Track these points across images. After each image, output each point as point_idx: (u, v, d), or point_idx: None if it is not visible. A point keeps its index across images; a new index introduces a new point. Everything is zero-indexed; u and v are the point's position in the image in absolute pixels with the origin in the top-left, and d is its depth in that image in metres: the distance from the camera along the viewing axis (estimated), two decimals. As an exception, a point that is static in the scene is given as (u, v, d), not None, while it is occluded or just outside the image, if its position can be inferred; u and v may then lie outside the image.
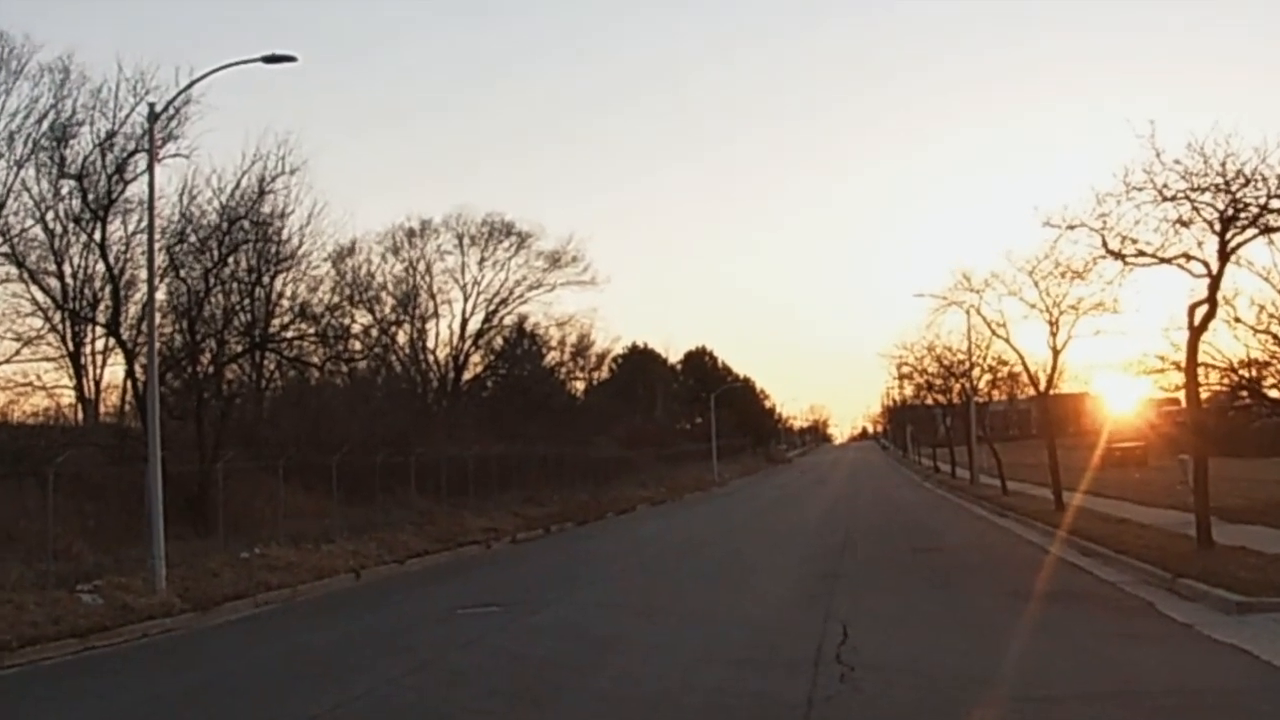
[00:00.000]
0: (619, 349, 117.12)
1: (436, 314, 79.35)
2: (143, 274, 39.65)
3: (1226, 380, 29.14)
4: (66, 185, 43.13)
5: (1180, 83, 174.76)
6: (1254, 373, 29.51)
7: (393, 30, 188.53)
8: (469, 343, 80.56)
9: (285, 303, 49.42)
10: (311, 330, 50.40)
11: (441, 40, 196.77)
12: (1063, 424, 73.58)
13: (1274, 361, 29.48)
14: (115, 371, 46.96)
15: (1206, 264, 23.79)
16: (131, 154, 41.50)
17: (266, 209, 44.83)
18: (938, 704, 13.22)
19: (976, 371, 60.43)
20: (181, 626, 24.34)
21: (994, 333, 45.16)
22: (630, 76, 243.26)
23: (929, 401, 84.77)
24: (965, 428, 71.16)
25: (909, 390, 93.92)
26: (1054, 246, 29.94)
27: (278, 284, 48.53)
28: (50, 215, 44.69)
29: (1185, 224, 23.59)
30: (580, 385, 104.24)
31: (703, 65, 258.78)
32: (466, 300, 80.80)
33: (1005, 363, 55.12)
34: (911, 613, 20.57)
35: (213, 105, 44.35)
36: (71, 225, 43.99)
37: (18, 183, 43.83)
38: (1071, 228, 26.01)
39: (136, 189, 41.75)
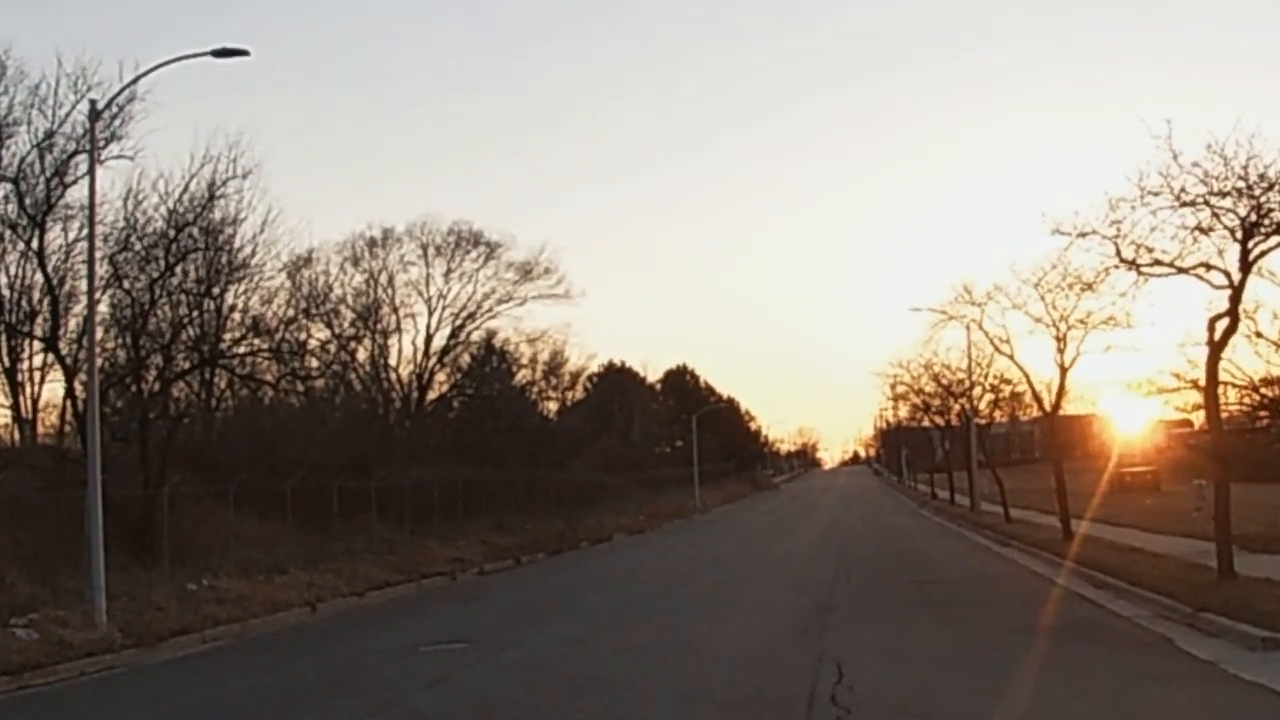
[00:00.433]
0: (594, 367, 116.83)
1: (399, 329, 78.87)
2: (83, 285, 39.17)
3: (1247, 399, 28.97)
4: (2, 189, 42.73)
5: (1198, 79, 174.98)
6: (1276, 391, 29.34)
7: (351, 29, 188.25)
8: (434, 360, 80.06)
9: (237, 316, 49.01)
10: (265, 346, 49.98)
11: (405, 40, 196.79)
12: (1068, 447, 73.50)
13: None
14: (54, 389, 46.53)
15: (1227, 274, 23.66)
16: (72, 155, 41.23)
17: (217, 215, 44.54)
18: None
19: (977, 391, 60.43)
20: (123, 664, 24.04)
21: (997, 349, 45.10)
22: (607, 79, 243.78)
23: (926, 423, 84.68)
24: (965, 451, 71.01)
25: (904, 411, 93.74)
26: (1063, 256, 29.80)
27: (229, 296, 48.13)
28: (-17, 221, 44.29)
29: (1205, 231, 23.45)
30: (553, 406, 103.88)
31: (683, 68, 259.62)
32: (431, 314, 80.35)
33: (1008, 381, 55.16)
34: (910, 649, 20.35)
35: (159, 103, 44.05)
36: (7, 232, 43.52)
37: (-52, 187, 43.43)
38: (1083, 235, 25.84)
39: (77, 193, 41.50)
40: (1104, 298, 30.32)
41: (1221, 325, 24.34)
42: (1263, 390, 29.14)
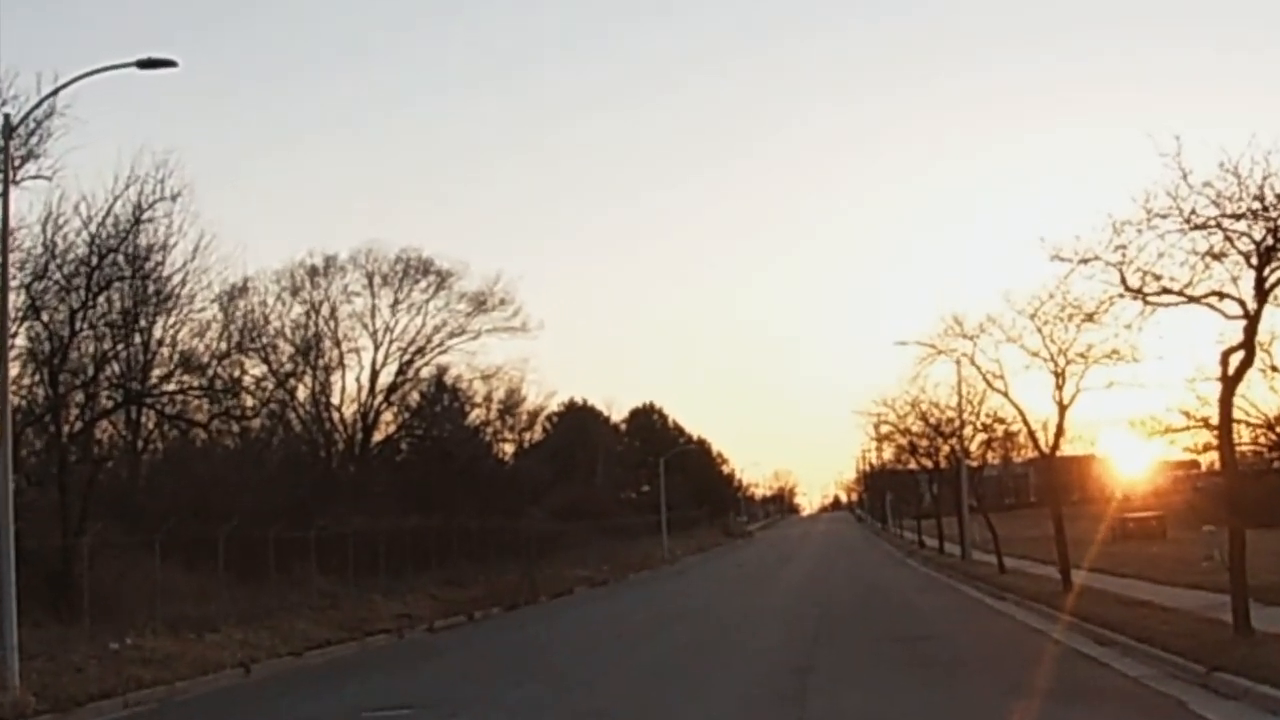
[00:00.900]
0: (554, 406, 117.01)
1: (342, 365, 78.62)
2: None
3: (1262, 439, 28.89)
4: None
5: (1208, 92, 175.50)
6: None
7: (291, 44, 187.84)
8: (380, 398, 79.82)
9: (166, 351, 48.77)
10: (196, 383, 49.67)
11: (348, 57, 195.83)
12: (1066, 490, 73.50)
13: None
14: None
15: (1242, 303, 23.49)
16: (-18, 175, 40.80)
17: (143, 241, 44.22)
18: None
19: (968, 431, 60.30)
20: (37, 732, 23.65)
21: (990, 385, 45.03)
22: (569, 101, 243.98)
23: (912, 465, 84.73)
24: (955, 495, 70.99)
25: (889, 453, 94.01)
26: (1063, 284, 29.71)
27: (157, 329, 47.91)
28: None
29: (1217, 256, 23.33)
30: (509, 448, 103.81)
31: (653, 94, 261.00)
32: (377, 349, 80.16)
33: (1001, 420, 54.95)
34: (898, 714, 20.12)
35: (81, 119, 43.35)
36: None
37: None
38: (1084, 261, 25.73)
39: (-11, 216, 41.00)
40: (1107, 329, 30.25)
41: (1236, 359, 24.19)
42: (1278, 429, 29.09)
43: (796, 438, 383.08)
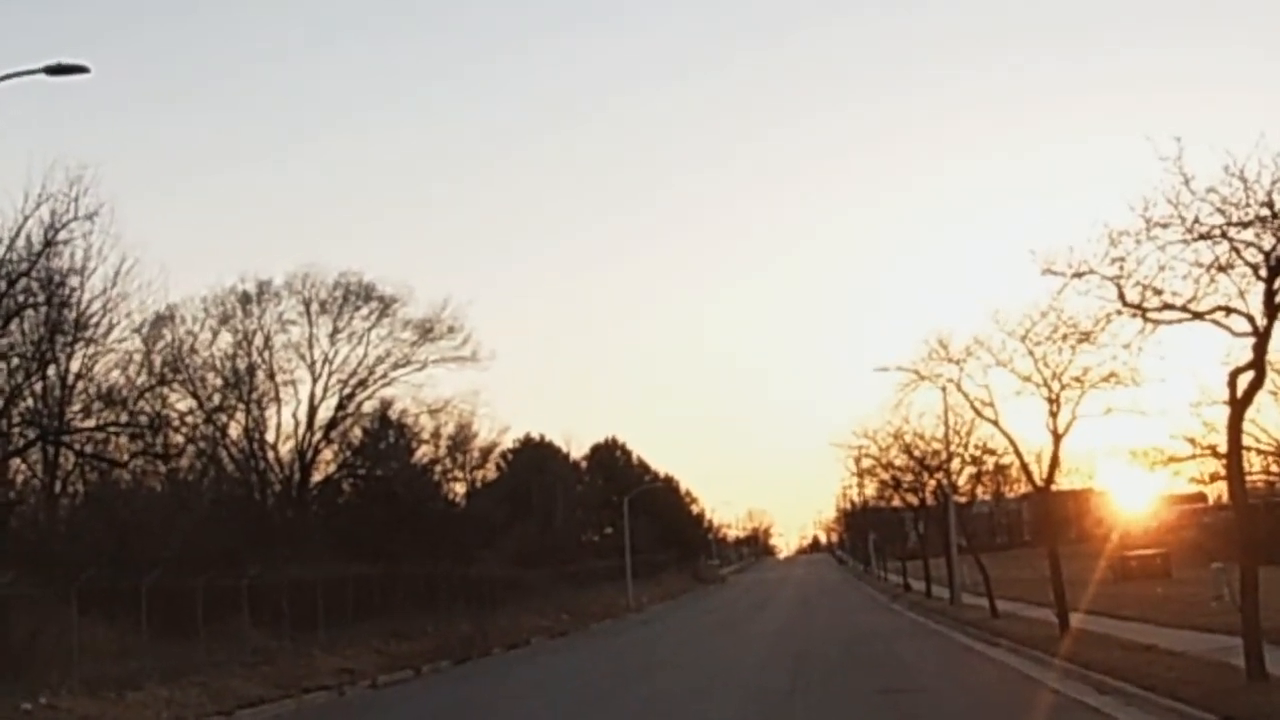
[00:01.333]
0: (508, 442, 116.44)
1: (278, 399, 78.21)
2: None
3: (1275, 466, 28.87)
4: None
5: (1210, 90, 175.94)
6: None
7: (220, 56, 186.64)
8: (319, 435, 79.45)
9: (84, 384, 48.44)
10: (118, 419, 49.40)
11: (283, 70, 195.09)
12: (1063, 527, 73.76)
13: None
14: None
15: (1251, 319, 23.41)
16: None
17: (58, 264, 43.93)
18: None
19: (956, 464, 60.35)
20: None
21: (978, 414, 44.81)
22: (522, 117, 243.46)
23: (897, 502, 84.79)
24: (943, 534, 70.99)
25: (871, 489, 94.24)
26: (1056, 301, 29.57)
27: (74, 360, 47.61)
28: None
29: (1223, 269, 23.26)
30: (460, 487, 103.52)
31: (615, 111, 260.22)
32: (315, 381, 79.79)
33: (992, 452, 55.01)
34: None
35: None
36: None
37: None
38: (1078, 275, 25.65)
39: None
40: (1104, 351, 30.09)
41: (1244, 380, 24.07)
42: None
43: (771, 474, 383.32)
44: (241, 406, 74.44)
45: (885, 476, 75.60)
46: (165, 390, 58.88)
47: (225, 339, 75.60)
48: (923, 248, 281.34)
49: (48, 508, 49.79)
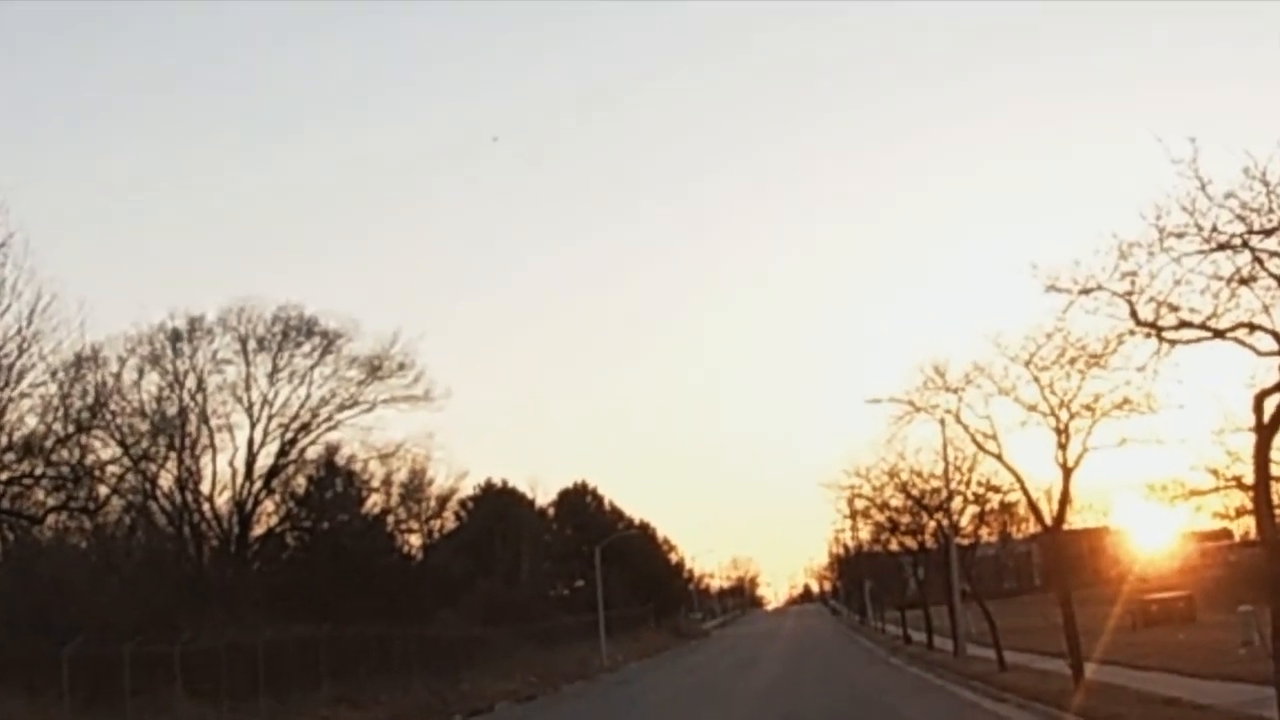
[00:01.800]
0: (468, 489, 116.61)
1: (213, 446, 78.04)
2: None
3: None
4: None
5: (1227, 86, 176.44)
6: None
7: (141, 77, 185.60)
8: (259, 484, 79.30)
9: (-2, 432, 48.27)
10: (35, 470, 49.10)
11: (209, 89, 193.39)
12: (1076, 569, 73.65)
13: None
14: None
15: (1277, 336, 23.26)
16: None
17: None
18: None
19: (957, 502, 60.04)
20: None
21: (980, 447, 44.53)
22: (470, 136, 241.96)
23: (894, 546, 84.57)
24: (945, 580, 70.72)
25: (865, 532, 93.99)
26: (1062, 320, 29.35)
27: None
28: None
29: (1245, 281, 23.08)
30: (416, 539, 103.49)
31: (571, 128, 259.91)
32: (254, 426, 79.67)
33: (996, 489, 54.69)
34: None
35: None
36: None
37: None
38: (1086, 292, 25.50)
39: None
40: (1116, 375, 29.97)
41: (1272, 403, 23.86)
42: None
43: (757, 519, 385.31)
44: (173, 455, 74.22)
45: (881, 518, 75.50)
46: (87, 438, 58.57)
47: (153, 380, 75.49)
48: (915, 269, 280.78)
49: (-43, 570, 49.57)
